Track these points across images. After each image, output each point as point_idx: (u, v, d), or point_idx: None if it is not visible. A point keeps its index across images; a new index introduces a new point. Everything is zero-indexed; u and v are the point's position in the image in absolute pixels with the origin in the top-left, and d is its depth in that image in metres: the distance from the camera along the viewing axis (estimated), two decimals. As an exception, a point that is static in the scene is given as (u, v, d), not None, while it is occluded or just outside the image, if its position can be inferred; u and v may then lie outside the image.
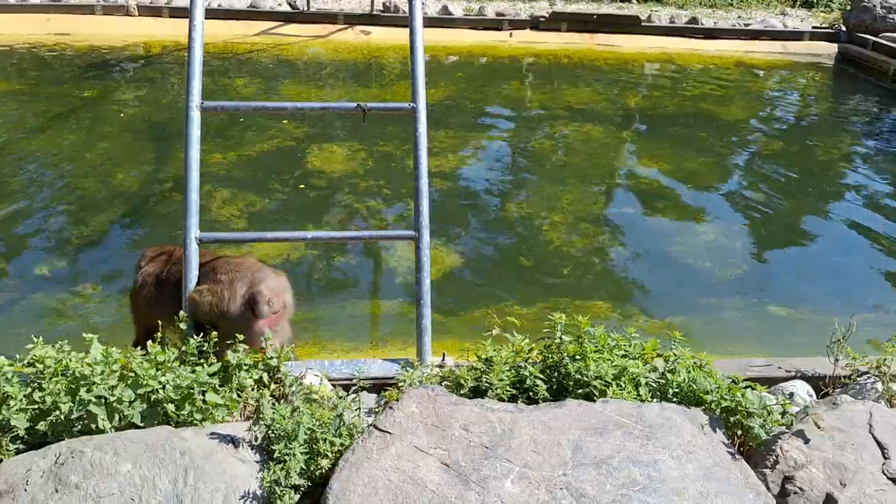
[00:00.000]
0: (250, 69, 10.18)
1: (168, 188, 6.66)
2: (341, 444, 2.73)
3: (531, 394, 3.17)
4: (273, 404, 2.86)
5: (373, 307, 5.22)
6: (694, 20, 13.12)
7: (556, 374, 3.24)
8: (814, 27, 13.41)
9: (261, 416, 2.74)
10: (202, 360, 3.05)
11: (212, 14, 11.47)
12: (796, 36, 12.92)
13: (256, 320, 3.37)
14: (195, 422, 2.84)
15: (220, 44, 10.96)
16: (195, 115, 3.59)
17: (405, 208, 6.50)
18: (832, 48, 12.70)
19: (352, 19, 12.25)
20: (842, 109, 10.28)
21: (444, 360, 3.70)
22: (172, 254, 3.79)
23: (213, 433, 2.73)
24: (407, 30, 4.04)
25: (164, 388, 2.83)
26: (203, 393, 2.89)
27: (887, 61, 11.56)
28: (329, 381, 3.41)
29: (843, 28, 13.04)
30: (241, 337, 3.18)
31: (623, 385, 3.11)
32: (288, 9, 12.45)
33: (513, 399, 3.17)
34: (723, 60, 12.00)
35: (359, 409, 2.97)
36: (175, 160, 7.16)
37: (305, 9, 12.34)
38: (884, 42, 11.92)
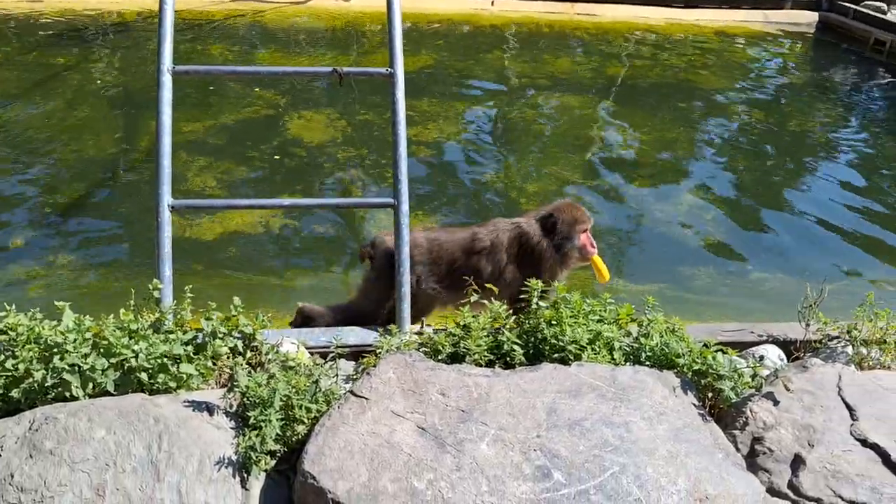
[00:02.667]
0: (226, 36, 10.01)
1: (142, 156, 6.57)
2: (318, 411, 2.73)
3: (508, 359, 3.20)
4: (249, 372, 2.86)
5: (352, 276, 5.21)
6: (675, -12, 13.03)
7: (532, 339, 3.26)
8: (795, -4, 13.38)
9: (235, 383, 2.74)
10: (177, 328, 3.03)
11: (186, -21, 11.20)
12: (777, 4, 12.90)
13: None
14: (170, 389, 2.84)
15: (195, 10, 10.75)
16: (166, 80, 3.53)
17: (386, 177, 6.46)
18: (813, 17, 12.71)
19: (330, -14, 12.02)
20: (821, 79, 10.32)
21: (422, 327, 3.71)
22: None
23: (187, 401, 2.73)
24: (386, -3, 3.96)
25: (136, 356, 2.81)
26: (177, 361, 2.88)
27: (867, 30, 11.60)
28: (307, 349, 3.40)
29: (825, -3, 13.04)
30: None
31: (598, 349, 3.14)
32: (265, -26, 12.18)
33: (490, 364, 3.19)
34: (703, 30, 11.97)
35: (336, 375, 2.97)
36: (150, 128, 7.04)
37: (283, -26, 12.09)
38: (864, 11, 11.93)
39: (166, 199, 3.45)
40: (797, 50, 11.68)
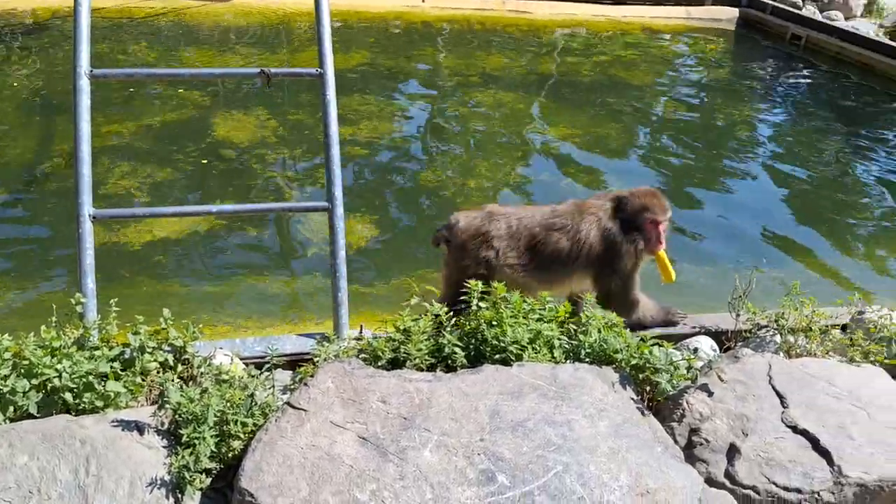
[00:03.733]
0: (149, 35, 9.66)
1: (62, 162, 6.25)
2: (254, 425, 2.66)
3: (450, 361, 3.17)
4: (181, 387, 2.75)
5: (288, 281, 5.10)
6: (603, -15, 13.22)
7: (473, 340, 3.25)
8: (716, -8, 13.74)
9: (166, 400, 2.63)
10: (102, 344, 2.90)
11: (105, -24, 10.74)
12: (698, 0, 13.22)
13: None
14: (97, 409, 2.71)
15: (115, 8, 10.33)
16: (84, 84, 3.37)
17: (320, 178, 6.35)
18: (733, 13, 13.07)
19: (257, -17, 11.75)
20: (742, 73, 10.67)
21: (361, 332, 3.65)
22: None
23: (115, 420, 2.61)
24: (315, -6, 3.88)
25: (60, 376, 2.67)
26: (104, 379, 2.75)
27: (784, 25, 12.03)
28: (241, 360, 3.31)
29: (744, -8, 13.44)
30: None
31: (538, 348, 3.15)
32: (188, -29, 11.81)
33: (432, 368, 3.16)
34: (630, 26, 12.20)
35: (272, 387, 2.89)
36: (70, 132, 6.74)
37: (207, -29, 11.75)
38: (781, 6, 12.38)
39: (87, 209, 3.29)
40: (719, 45, 12.03)
